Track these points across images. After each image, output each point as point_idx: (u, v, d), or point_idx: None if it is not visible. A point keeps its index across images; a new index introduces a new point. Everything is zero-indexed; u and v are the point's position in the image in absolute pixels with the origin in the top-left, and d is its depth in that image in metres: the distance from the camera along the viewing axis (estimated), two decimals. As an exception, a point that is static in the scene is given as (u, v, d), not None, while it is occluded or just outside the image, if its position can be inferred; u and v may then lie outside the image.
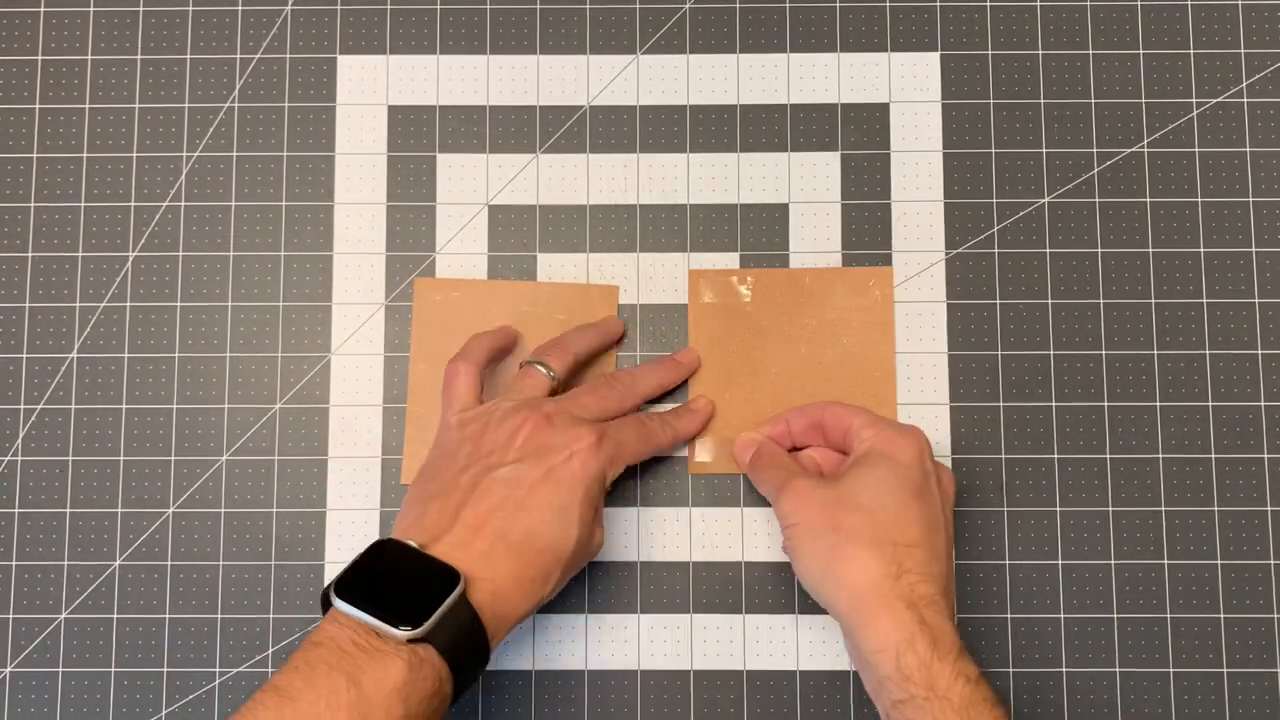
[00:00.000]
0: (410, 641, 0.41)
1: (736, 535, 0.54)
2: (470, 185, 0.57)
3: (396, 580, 0.43)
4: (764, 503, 0.54)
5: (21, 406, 0.55)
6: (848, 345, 0.55)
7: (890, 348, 0.55)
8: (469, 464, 0.47)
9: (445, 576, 0.43)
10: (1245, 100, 0.57)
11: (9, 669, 0.54)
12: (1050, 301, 0.56)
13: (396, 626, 0.41)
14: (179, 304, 0.56)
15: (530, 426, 0.47)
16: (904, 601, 0.45)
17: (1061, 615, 0.54)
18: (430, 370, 0.55)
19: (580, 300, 0.56)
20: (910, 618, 0.45)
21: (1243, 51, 0.57)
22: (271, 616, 0.54)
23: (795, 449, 0.54)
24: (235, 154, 0.57)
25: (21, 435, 0.55)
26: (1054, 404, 0.55)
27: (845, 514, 0.47)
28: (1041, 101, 0.57)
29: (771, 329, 0.55)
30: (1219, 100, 0.57)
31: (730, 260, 0.56)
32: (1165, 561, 0.54)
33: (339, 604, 0.42)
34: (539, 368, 0.51)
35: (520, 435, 0.47)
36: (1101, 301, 0.56)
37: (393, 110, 0.57)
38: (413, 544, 0.44)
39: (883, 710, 0.46)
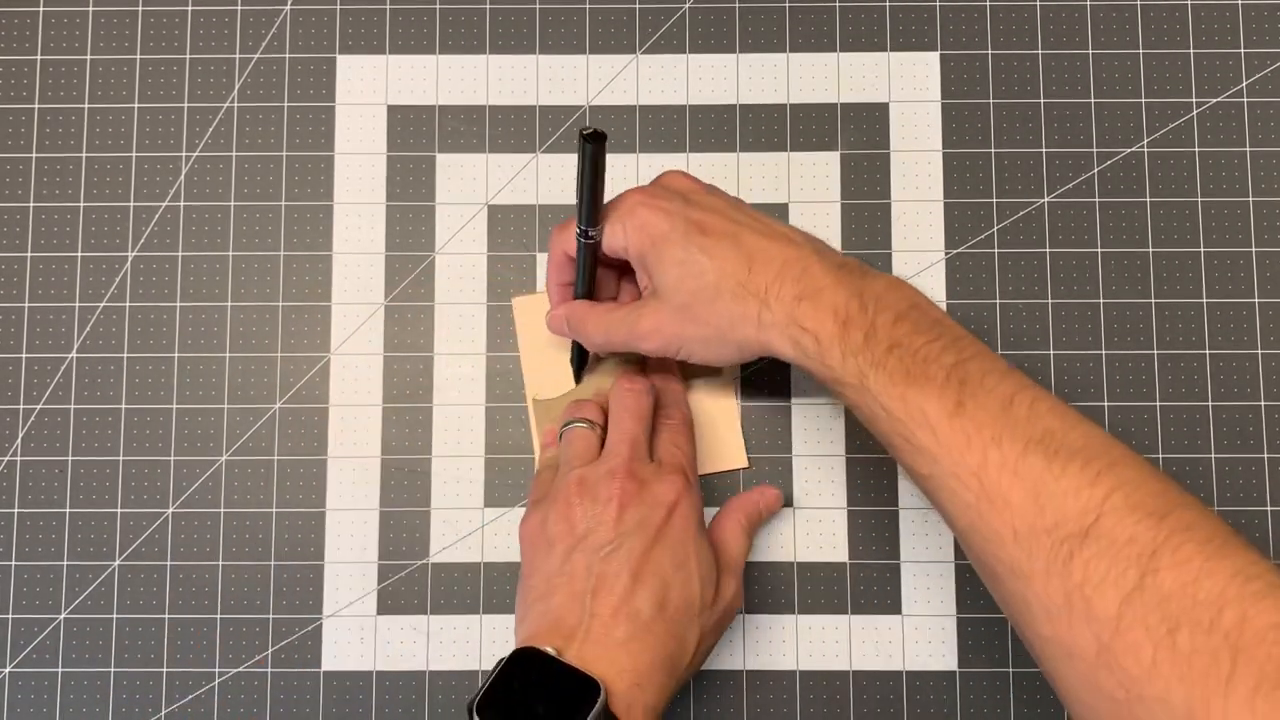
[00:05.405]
0: None
1: (736, 535, 0.54)
2: (470, 185, 0.57)
3: (537, 693, 0.42)
4: (764, 503, 0.54)
5: (21, 406, 0.55)
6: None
7: (731, 402, 0.55)
8: (570, 548, 0.46)
9: (585, 686, 0.41)
10: (1245, 100, 0.57)
11: (8, 669, 0.54)
12: (1050, 301, 0.56)
13: None
14: (178, 304, 0.56)
15: (622, 494, 0.46)
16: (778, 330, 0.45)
17: (1061, 615, 0.53)
18: (548, 386, 0.55)
19: None
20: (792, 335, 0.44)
21: (1243, 51, 0.57)
22: (271, 616, 0.54)
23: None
24: (235, 154, 0.57)
25: (21, 435, 0.55)
26: (1054, 404, 0.55)
27: (681, 317, 0.47)
28: (1041, 101, 0.57)
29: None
30: (1219, 100, 0.57)
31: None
32: (1165, 561, 0.54)
33: None
34: (581, 426, 0.50)
35: (614, 506, 0.46)
36: (1101, 301, 0.56)
37: (392, 110, 0.57)
38: (550, 651, 0.43)
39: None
